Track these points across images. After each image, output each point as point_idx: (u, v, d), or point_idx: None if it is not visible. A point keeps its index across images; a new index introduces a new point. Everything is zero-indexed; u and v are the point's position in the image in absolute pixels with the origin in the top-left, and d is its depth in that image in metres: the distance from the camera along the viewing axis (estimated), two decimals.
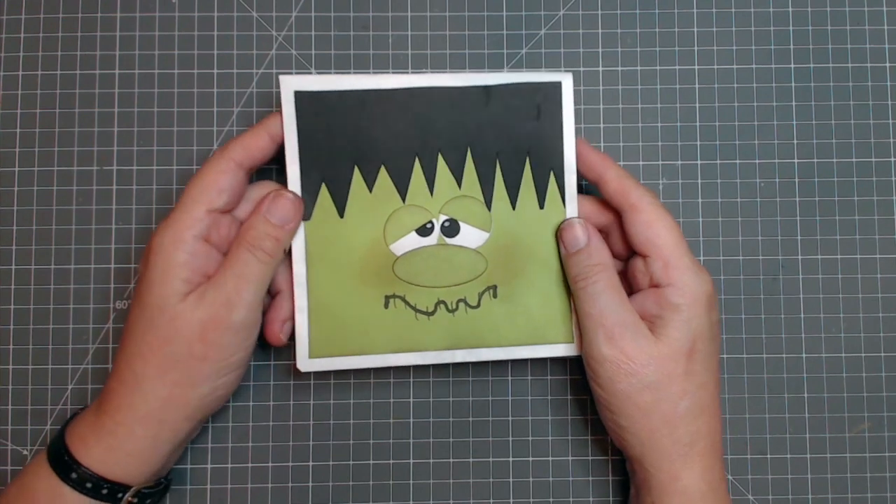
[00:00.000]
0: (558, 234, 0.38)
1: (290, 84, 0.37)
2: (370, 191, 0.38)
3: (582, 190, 0.41)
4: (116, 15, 0.43)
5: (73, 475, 0.35)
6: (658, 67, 0.43)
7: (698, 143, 0.43)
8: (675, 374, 0.36)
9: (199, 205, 0.35)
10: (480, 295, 0.39)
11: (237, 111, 0.43)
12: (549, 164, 0.38)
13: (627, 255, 0.39)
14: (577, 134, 0.42)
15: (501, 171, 0.38)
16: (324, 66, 0.43)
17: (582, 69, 0.43)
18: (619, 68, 0.43)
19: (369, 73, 0.43)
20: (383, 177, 0.38)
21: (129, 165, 0.42)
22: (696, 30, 0.43)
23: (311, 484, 0.41)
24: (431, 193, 0.38)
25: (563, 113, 0.38)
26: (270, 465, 0.41)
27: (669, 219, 0.37)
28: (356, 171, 0.38)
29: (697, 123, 0.43)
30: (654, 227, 0.36)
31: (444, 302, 0.38)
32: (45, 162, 0.42)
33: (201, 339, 0.35)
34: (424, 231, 0.38)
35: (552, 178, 0.38)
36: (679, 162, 0.43)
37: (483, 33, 0.43)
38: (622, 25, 0.43)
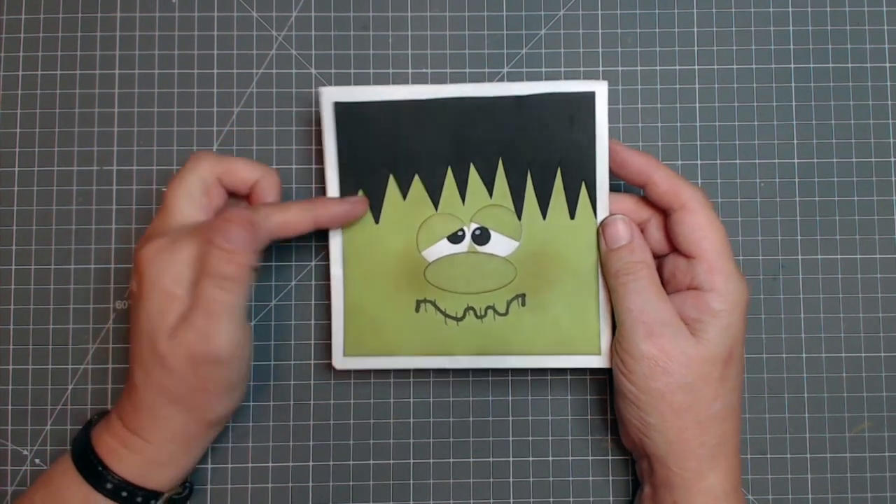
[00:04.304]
0: (600, 230, 0.38)
1: (330, 95, 0.38)
2: (404, 198, 0.39)
3: (619, 189, 0.41)
4: (116, 15, 0.43)
5: (108, 485, 0.35)
6: (658, 67, 0.43)
7: (698, 143, 0.43)
8: (712, 377, 0.36)
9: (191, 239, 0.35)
10: (509, 303, 0.39)
11: (237, 111, 0.43)
12: (580, 175, 0.38)
13: (661, 254, 0.39)
14: None
15: (532, 180, 0.38)
16: (324, 66, 0.43)
17: (582, 69, 0.43)
18: (619, 68, 0.43)
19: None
20: (417, 185, 0.39)
21: (129, 165, 0.42)
22: (696, 30, 0.43)
23: (311, 484, 0.41)
24: (463, 202, 0.39)
25: (597, 123, 0.38)
26: (270, 465, 0.41)
27: (718, 222, 0.37)
28: (391, 179, 0.39)
29: (697, 123, 0.43)
30: (705, 229, 0.36)
31: (473, 308, 0.39)
32: (45, 162, 0.42)
33: (194, 374, 0.35)
34: (456, 238, 0.39)
35: (583, 189, 0.38)
36: (679, 162, 0.43)
37: (483, 33, 0.43)
38: (622, 25, 0.43)
